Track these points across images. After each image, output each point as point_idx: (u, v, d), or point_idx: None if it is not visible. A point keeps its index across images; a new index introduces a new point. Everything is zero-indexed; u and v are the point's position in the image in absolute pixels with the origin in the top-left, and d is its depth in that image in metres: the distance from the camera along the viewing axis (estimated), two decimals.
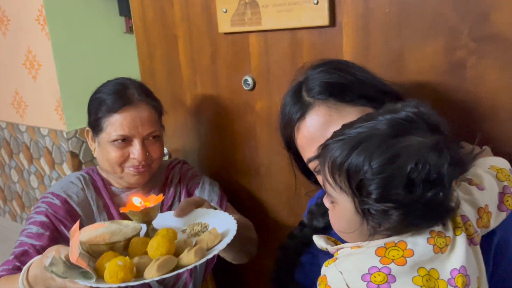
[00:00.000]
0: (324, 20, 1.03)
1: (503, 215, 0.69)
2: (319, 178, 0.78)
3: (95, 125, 1.09)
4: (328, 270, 0.63)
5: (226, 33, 1.23)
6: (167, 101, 1.45)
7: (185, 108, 1.42)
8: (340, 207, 0.64)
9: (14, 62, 3.15)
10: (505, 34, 0.84)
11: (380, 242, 0.62)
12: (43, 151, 3.10)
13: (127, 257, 0.75)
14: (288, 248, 0.91)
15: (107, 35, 2.59)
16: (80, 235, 0.79)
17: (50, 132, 2.96)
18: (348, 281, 0.59)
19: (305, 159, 0.81)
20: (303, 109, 0.79)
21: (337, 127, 0.72)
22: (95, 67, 2.98)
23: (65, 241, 1.00)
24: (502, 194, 0.69)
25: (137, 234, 0.83)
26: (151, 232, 0.85)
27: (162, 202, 1.13)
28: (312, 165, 0.78)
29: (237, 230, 0.83)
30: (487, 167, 0.72)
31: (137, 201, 0.84)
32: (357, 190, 0.59)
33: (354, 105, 0.77)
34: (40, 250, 0.99)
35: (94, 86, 3.12)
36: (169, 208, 1.17)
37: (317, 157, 0.67)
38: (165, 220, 0.90)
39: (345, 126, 0.66)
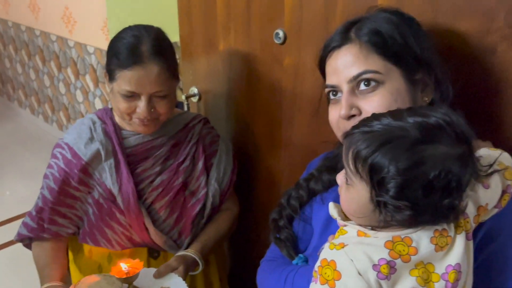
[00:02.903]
0: None
1: (495, 211, 0.71)
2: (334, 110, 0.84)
3: (109, 73, 1.14)
4: (336, 256, 0.65)
5: None
6: (200, 43, 1.47)
7: (218, 52, 1.44)
8: (356, 191, 0.66)
9: None
10: None
11: (388, 235, 0.65)
12: (89, 68, 3.20)
13: None
14: (291, 198, 0.97)
15: None
16: (79, 284, 1.04)
17: (96, 51, 3.06)
18: (359, 269, 0.63)
19: (326, 83, 0.86)
20: (342, 41, 0.82)
21: (356, 70, 0.78)
22: None
23: (72, 190, 1.21)
24: (503, 192, 0.70)
25: None
26: None
27: (177, 159, 1.26)
28: (326, 91, 0.85)
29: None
30: (497, 163, 0.71)
31: (123, 267, 1.06)
32: (377, 184, 0.62)
33: (383, 59, 0.78)
34: (52, 208, 1.20)
35: (140, 10, 3.13)
36: (180, 165, 1.26)
37: (339, 146, 0.68)
38: (146, 276, 1.13)
39: (373, 118, 0.66)
